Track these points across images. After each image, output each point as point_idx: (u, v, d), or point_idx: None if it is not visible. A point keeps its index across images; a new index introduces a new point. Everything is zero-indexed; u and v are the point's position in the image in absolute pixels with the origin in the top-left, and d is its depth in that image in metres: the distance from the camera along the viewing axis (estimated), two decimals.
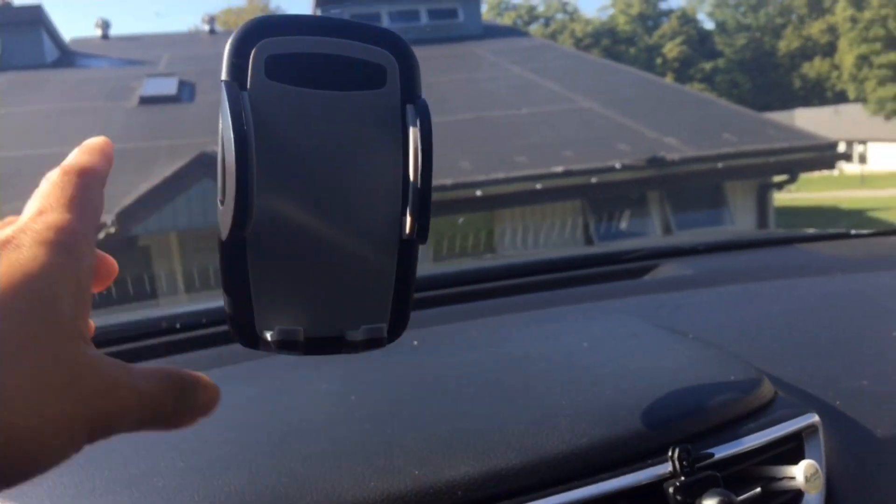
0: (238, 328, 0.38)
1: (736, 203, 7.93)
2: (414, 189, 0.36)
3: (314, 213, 0.36)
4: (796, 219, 12.51)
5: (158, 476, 0.53)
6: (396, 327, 0.39)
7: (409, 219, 0.36)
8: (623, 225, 7.32)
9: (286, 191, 0.35)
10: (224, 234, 0.34)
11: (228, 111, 0.33)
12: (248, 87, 0.34)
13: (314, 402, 0.65)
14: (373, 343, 0.38)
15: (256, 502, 0.48)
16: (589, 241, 7.09)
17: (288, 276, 0.36)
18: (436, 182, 0.37)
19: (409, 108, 0.36)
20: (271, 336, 0.36)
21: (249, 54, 0.35)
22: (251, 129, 0.33)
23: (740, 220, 7.79)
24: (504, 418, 0.57)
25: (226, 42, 0.35)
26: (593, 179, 6.65)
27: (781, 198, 10.20)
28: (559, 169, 6.56)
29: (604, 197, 7.13)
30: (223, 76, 0.34)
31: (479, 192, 6.11)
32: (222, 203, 0.34)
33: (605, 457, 0.53)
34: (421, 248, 0.39)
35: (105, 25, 12.28)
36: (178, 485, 0.51)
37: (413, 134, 0.36)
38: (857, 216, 12.45)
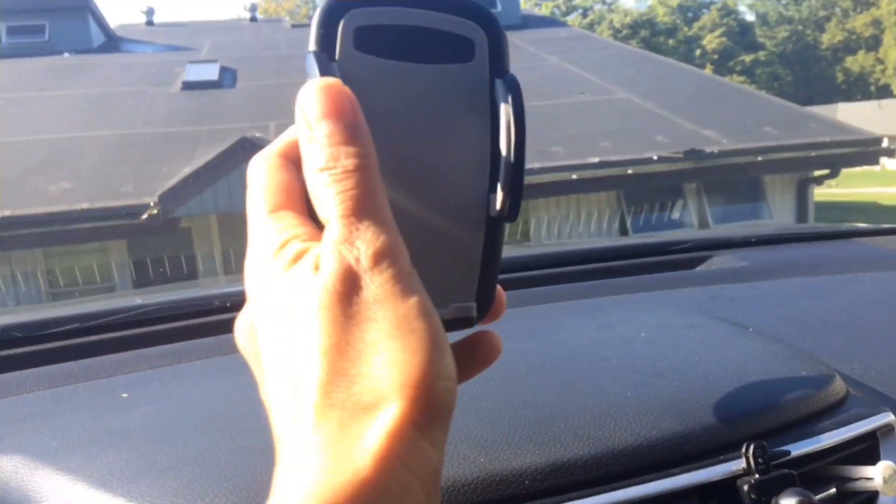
0: None
1: (775, 197, 7.79)
2: (507, 164, 0.34)
3: (405, 188, 0.34)
4: (836, 214, 12.24)
5: (220, 454, 0.53)
6: (484, 306, 0.38)
7: (500, 194, 0.35)
8: (659, 217, 7.23)
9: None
10: None
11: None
12: (337, 58, 0.33)
13: None
14: (462, 322, 0.36)
15: None
16: (625, 232, 7.01)
17: None
18: None
19: (499, 82, 0.35)
20: None
21: (338, 25, 0.33)
22: None
23: (779, 215, 7.66)
24: (567, 408, 0.56)
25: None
26: (630, 171, 6.58)
27: (820, 192, 9.98)
28: (595, 160, 6.50)
29: (640, 188, 7.05)
30: (311, 47, 0.33)
31: None
32: None
33: (676, 451, 0.51)
34: None
35: (149, 12, 12.51)
36: (240, 462, 0.51)
37: (505, 109, 0.35)
38: None
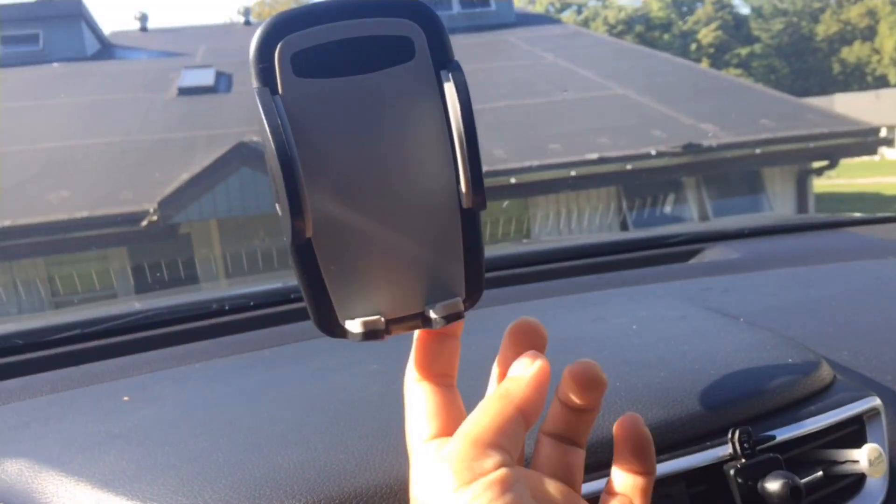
0: (322, 324, 0.38)
1: (775, 189, 7.80)
2: (462, 150, 0.35)
3: (372, 199, 0.35)
4: (837, 205, 12.24)
5: (218, 452, 0.54)
6: (472, 296, 0.39)
7: (463, 185, 0.36)
8: (659, 212, 7.24)
9: (339, 185, 0.35)
10: (287, 240, 0.35)
11: (265, 121, 0.33)
12: (280, 90, 0.34)
13: (365, 381, 0.66)
14: (452, 317, 0.38)
15: (316, 478, 0.49)
16: (625, 228, 7.02)
17: (359, 266, 0.37)
18: None
19: (443, 72, 0.36)
20: (354, 328, 0.37)
21: (274, 56, 0.34)
22: (290, 135, 0.33)
23: (779, 207, 7.66)
24: None
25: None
26: (629, 166, 6.59)
27: (821, 184, 9.98)
28: (594, 156, 6.51)
29: (639, 184, 7.06)
30: (253, 83, 0.34)
31: (513, 180, 6.08)
32: (280, 211, 0.34)
33: (664, 438, 0.52)
34: None
35: (143, 18, 12.53)
36: (238, 460, 0.52)
37: (449, 90, 0.35)
38: None
